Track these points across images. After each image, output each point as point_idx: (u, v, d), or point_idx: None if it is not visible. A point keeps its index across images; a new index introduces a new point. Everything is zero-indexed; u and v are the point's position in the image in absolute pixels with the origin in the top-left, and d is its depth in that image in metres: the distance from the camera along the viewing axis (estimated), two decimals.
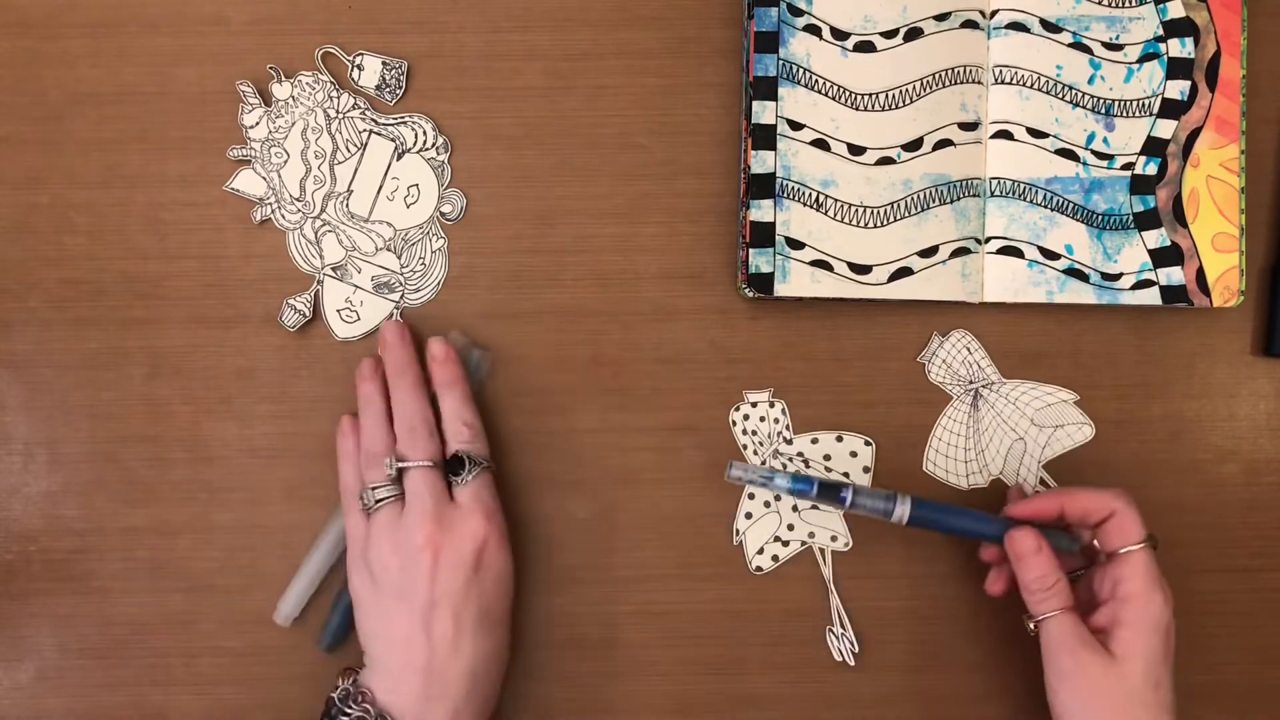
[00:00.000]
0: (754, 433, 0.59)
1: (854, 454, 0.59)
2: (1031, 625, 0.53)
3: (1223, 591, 0.60)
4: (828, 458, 0.59)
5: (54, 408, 0.58)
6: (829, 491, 0.53)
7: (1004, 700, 0.59)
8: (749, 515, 0.59)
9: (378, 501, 0.53)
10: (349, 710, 0.51)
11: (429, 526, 0.52)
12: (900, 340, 0.59)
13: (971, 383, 0.59)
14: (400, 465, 0.53)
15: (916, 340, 0.59)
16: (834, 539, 0.59)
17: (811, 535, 0.59)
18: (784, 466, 0.59)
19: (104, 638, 0.58)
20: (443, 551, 0.52)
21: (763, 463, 0.59)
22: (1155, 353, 0.60)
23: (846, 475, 0.59)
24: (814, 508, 0.59)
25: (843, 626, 0.59)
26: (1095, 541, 0.53)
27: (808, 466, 0.59)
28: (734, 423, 0.59)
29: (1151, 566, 0.51)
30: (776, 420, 0.59)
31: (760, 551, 0.59)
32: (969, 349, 0.59)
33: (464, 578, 0.52)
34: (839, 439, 0.59)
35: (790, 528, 0.59)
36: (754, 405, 0.59)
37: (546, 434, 0.59)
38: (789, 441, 0.59)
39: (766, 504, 0.59)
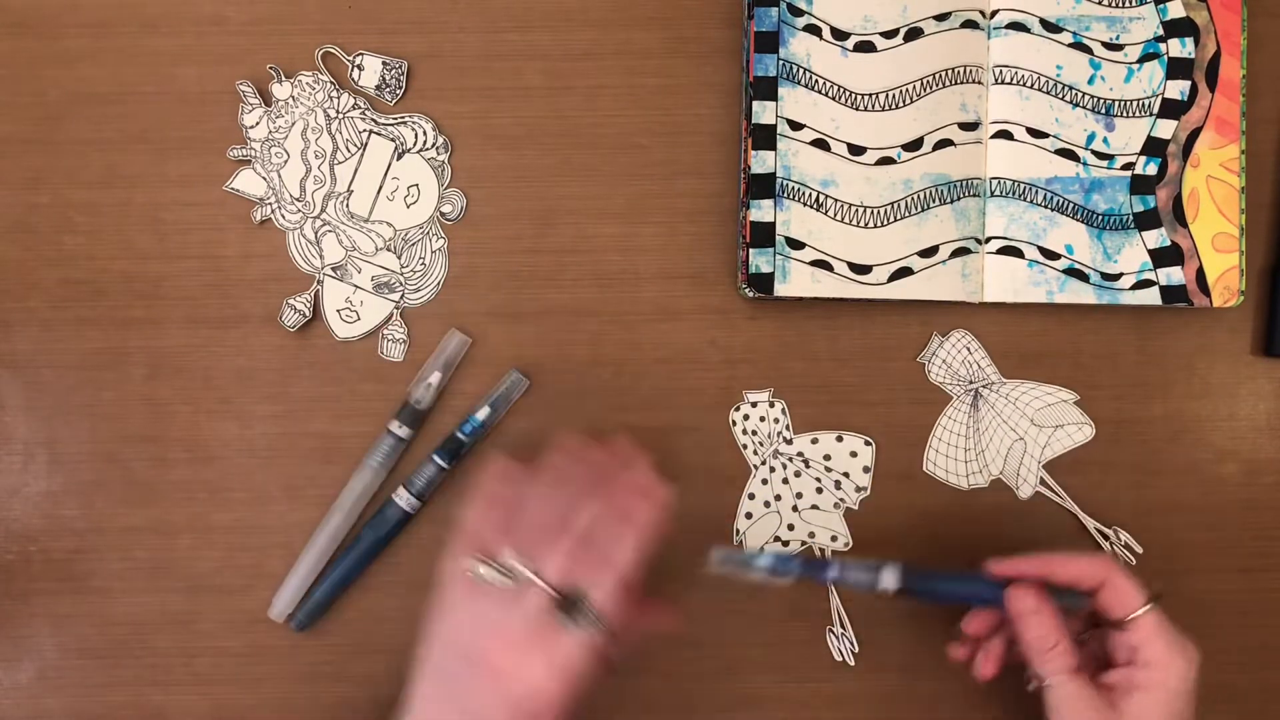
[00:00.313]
0: (754, 433, 0.59)
1: (854, 454, 0.59)
2: (1032, 685, 0.51)
3: (1223, 591, 0.60)
4: (828, 457, 0.59)
5: (54, 408, 0.58)
6: (814, 569, 0.53)
7: (1003, 700, 0.59)
8: (749, 515, 0.59)
9: (488, 577, 0.48)
10: None
11: (511, 646, 0.46)
12: (900, 340, 0.59)
13: (971, 383, 0.59)
14: (532, 572, 0.47)
15: (916, 340, 0.59)
16: (834, 539, 0.59)
17: (812, 535, 0.59)
18: (784, 466, 0.59)
19: (104, 638, 0.58)
20: (499, 678, 0.46)
21: (763, 462, 0.59)
22: (1155, 353, 0.60)
23: (846, 475, 0.59)
24: (814, 508, 0.59)
25: (843, 626, 0.59)
26: (1094, 609, 0.52)
27: (808, 466, 0.59)
28: (734, 423, 0.59)
29: (1165, 629, 0.50)
30: (776, 420, 0.59)
31: (761, 551, 0.59)
32: (969, 349, 0.59)
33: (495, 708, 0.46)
34: (839, 439, 0.59)
35: (790, 527, 0.59)
36: (754, 405, 0.59)
37: (547, 434, 0.59)
38: (789, 441, 0.59)
39: (766, 504, 0.59)
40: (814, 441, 0.59)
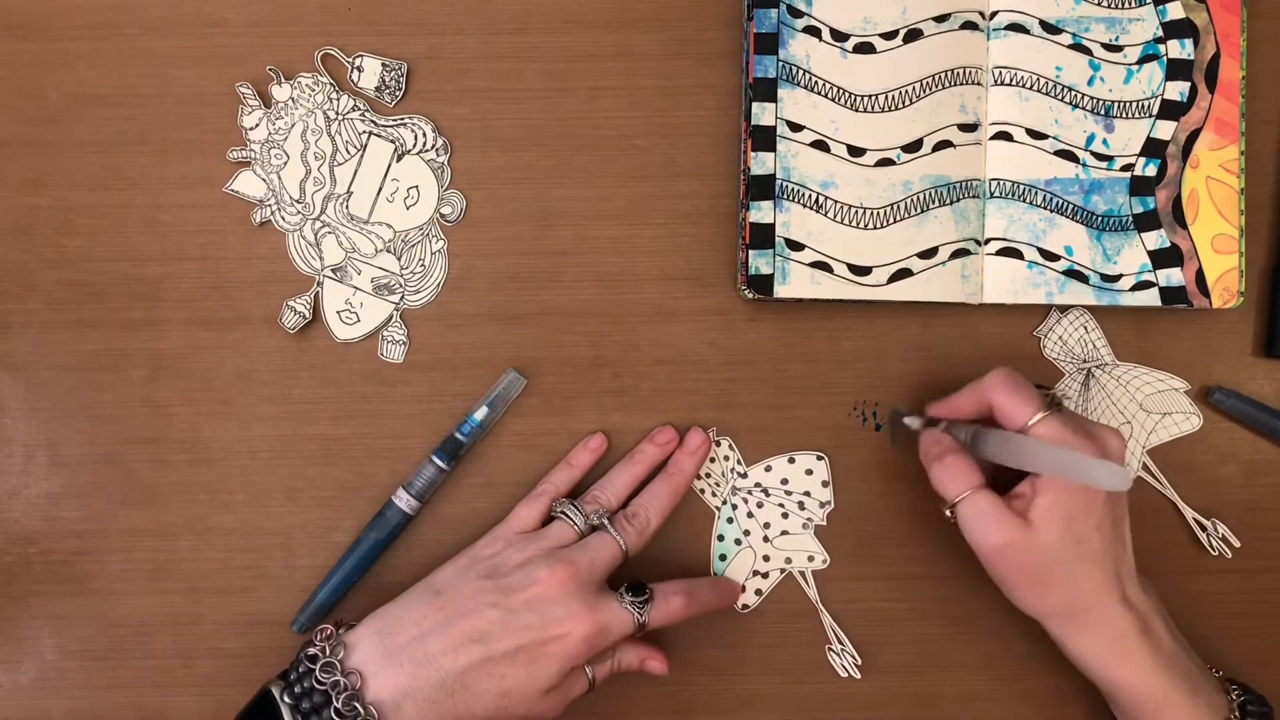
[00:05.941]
0: (707, 474, 0.59)
1: (809, 471, 0.59)
2: (948, 511, 0.52)
3: (1223, 592, 0.60)
4: (785, 481, 0.59)
5: (54, 409, 0.58)
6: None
7: (1004, 702, 0.59)
8: (723, 557, 0.59)
9: (561, 517, 0.54)
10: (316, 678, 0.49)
11: (569, 591, 0.51)
12: (900, 342, 0.59)
13: (1085, 362, 0.59)
14: (600, 522, 0.54)
15: (916, 342, 0.59)
16: (811, 558, 0.59)
17: (789, 560, 0.59)
18: (745, 500, 0.59)
19: (104, 639, 0.58)
20: (544, 605, 0.50)
21: (724, 502, 0.59)
22: (1155, 354, 0.60)
23: (808, 494, 0.59)
24: (784, 533, 0.59)
25: (841, 643, 0.59)
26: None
27: (768, 495, 0.59)
28: None
29: (1063, 433, 0.50)
30: (726, 457, 0.59)
31: (743, 589, 0.59)
32: (1085, 328, 0.59)
33: (527, 640, 0.50)
34: (790, 460, 0.59)
35: (766, 558, 0.59)
36: None
37: (547, 435, 0.59)
38: (744, 475, 0.59)
39: (738, 541, 0.59)
40: (768, 469, 0.59)
